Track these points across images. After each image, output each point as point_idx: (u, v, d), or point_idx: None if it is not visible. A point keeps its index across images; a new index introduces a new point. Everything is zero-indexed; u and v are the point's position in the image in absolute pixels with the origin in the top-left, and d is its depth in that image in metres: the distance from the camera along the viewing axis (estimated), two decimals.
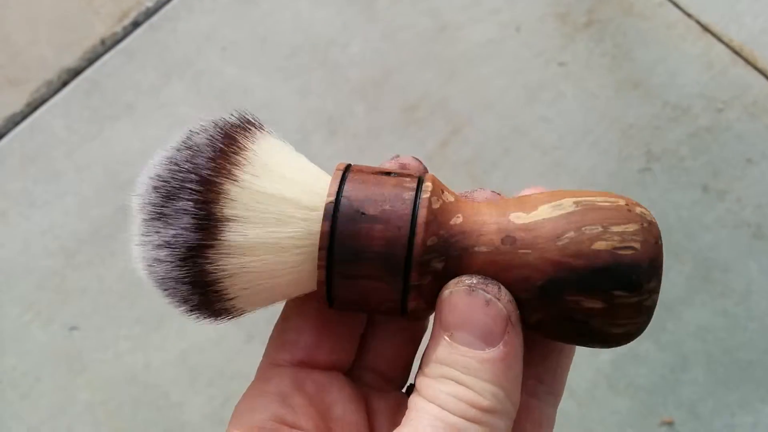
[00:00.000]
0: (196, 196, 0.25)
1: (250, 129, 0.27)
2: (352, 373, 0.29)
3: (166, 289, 0.26)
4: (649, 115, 0.80)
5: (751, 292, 0.73)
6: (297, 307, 0.28)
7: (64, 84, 0.81)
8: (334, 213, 0.24)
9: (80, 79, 0.81)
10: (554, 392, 0.28)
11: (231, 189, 0.25)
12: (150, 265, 0.26)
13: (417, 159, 0.28)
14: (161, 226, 0.25)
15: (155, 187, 0.25)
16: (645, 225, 0.24)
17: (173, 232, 0.25)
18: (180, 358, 0.71)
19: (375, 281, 0.24)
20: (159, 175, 0.26)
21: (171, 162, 0.25)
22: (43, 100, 0.80)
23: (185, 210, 0.25)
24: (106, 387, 0.70)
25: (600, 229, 0.24)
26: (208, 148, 0.25)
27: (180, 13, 0.84)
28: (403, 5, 0.84)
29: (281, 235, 0.25)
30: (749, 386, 0.70)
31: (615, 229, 0.24)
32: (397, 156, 0.28)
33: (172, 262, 0.25)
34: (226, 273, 0.25)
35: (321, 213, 0.24)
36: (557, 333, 0.25)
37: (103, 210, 0.76)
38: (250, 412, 0.26)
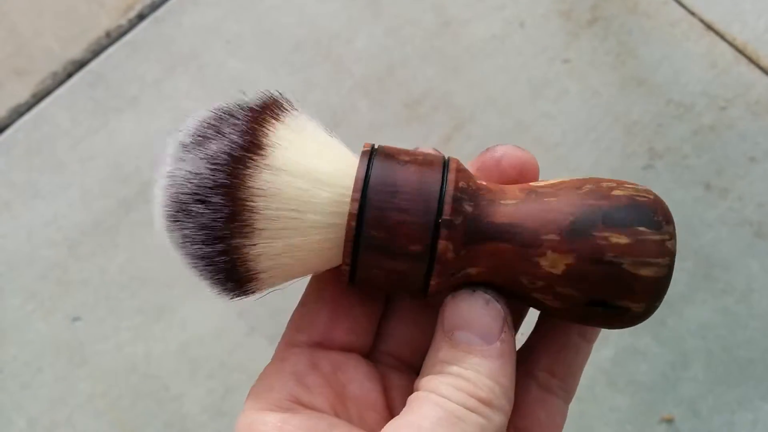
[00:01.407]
0: (227, 170, 0.25)
1: (279, 107, 0.27)
2: (371, 356, 0.29)
3: (193, 261, 0.26)
4: (653, 112, 0.80)
5: (752, 291, 0.73)
6: (315, 292, 0.28)
7: (69, 76, 0.81)
8: (370, 158, 0.25)
9: (85, 71, 0.81)
10: (567, 388, 0.29)
11: (261, 164, 0.25)
12: (179, 239, 0.25)
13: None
14: (191, 199, 0.25)
15: (184, 161, 0.25)
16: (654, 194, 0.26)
17: (203, 209, 0.25)
18: (181, 349, 0.71)
19: (406, 215, 0.25)
20: (187, 150, 0.25)
21: (201, 138, 0.26)
22: (48, 92, 0.81)
23: (215, 182, 0.25)
24: (107, 378, 0.70)
25: (615, 184, 0.26)
26: (238, 125, 0.26)
27: (185, 6, 0.84)
28: (408, 0, 0.85)
29: (310, 208, 0.25)
30: (749, 384, 0.70)
31: (628, 185, 0.26)
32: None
33: (201, 235, 0.25)
34: (254, 245, 0.25)
35: (352, 179, 0.25)
36: (587, 284, 0.25)
37: (107, 202, 0.76)
38: (266, 391, 0.26)
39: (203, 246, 0.25)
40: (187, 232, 0.25)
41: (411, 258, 0.25)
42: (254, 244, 0.25)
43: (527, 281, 0.25)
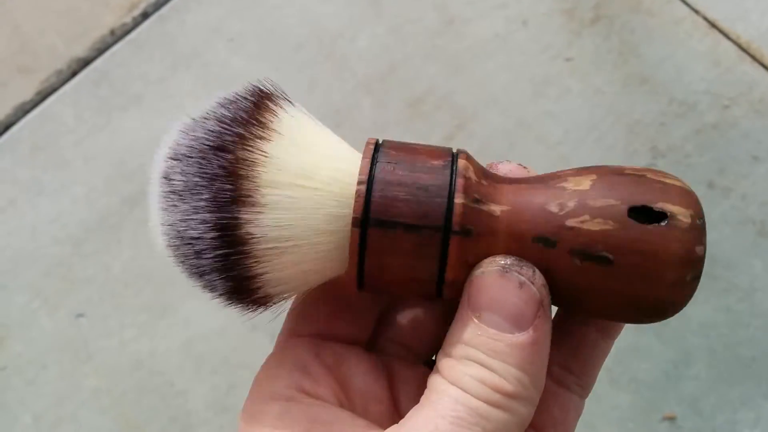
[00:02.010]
0: (226, 181, 0.23)
1: (278, 100, 0.26)
2: (377, 344, 0.28)
3: (197, 276, 0.25)
4: (655, 111, 0.80)
5: (755, 289, 0.73)
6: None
7: (74, 74, 0.82)
8: (372, 159, 0.24)
9: (89, 69, 0.82)
10: (583, 384, 0.28)
11: (262, 168, 0.24)
12: (179, 251, 0.25)
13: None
14: (190, 210, 0.24)
15: (183, 161, 0.24)
16: None
17: (201, 216, 0.24)
18: (185, 346, 0.71)
19: (411, 198, 0.23)
20: (185, 149, 0.24)
21: (201, 131, 0.24)
22: (52, 90, 0.81)
23: (215, 188, 0.23)
24: (112, 374, 0.71)
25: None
26: (237, 121, 0.25)
27: (188, 4, 0.85)
28: None
29: (316, 215, 0.24)
30: (751, 382, 0.70)
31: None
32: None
33: (203, 248, 0.24)
34: (259, 258, 0.24)
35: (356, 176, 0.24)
36: (620, 189, 0.24)
37: (111, 199, 0.76)
38: (271, 380, 0.25)
39: (206, 261, 0.24)
40: (185, 251, 0.24)
41: (425, 230, 0.23)
42: (259, 258, 0.24)
43: (557, 208, 0.23)
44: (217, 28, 0.84)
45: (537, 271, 0.24)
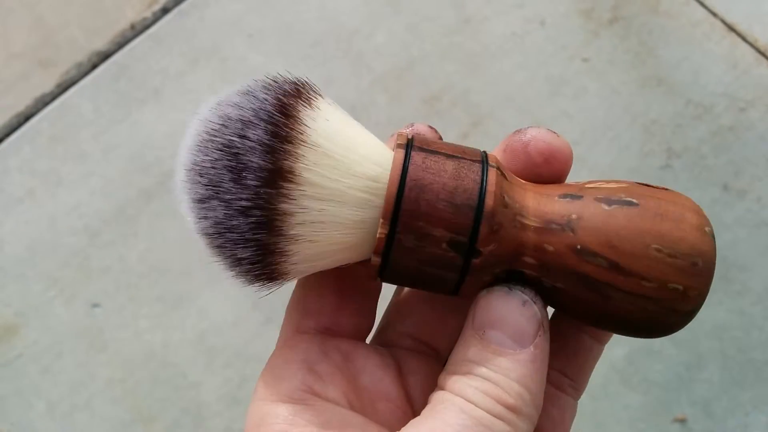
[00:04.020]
0: (264, 159, 0.23)
1: (312, 93, 0.26)
2: (387, 337, 0.28)
3: (225, 249, 0.24)
4: (672, 112, 0.79)
5: None
6: (317, 275, 0.27)
7: (94, 67, 0.83)
8: (407, 151, 0.24)
9: (109, 62, 0.83)
10: (577, 387, 0.29)
11: (299, 154, 0.23)
12: (210, 226, 0.24)
13: (432, 127, 0.28)
14: (224, 189, 0.24)
15: (218, 147, 0.24)
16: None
17: (239, 194, 0.23)
18: (198, 338, 0.72)
19: (444, 205, 0.23)
20: (217, 134, 0.24)
21: (232, 120, 0.24)
22: (72, 82, 0.82)
23: (252, 169, 0.23)
24: (126, 365, 0.71)
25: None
26: (270, 113, 0.24)
27: (208, 0, 0.85)
28: None
29: (345, 200, 0.24)
30: (764, 386, 0.70)
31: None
32: (412, 124, 0.28)
33: (235, 224, 0.24)
34: (290, 235, 0.24)
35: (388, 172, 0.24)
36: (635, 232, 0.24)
37: (128, 191, 0.77)
38: (277, 380, 0.25)
39: (235, 231, 0.24)
40: (218, 214, 0.23)
41: (447, 248, 0.24)
42: (288, 234, 0.24)
43: (575, 186, 0.25)
44: (236, 23, 0.84)
45: (538, 294, 0.25)
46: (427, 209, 0.23)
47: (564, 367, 0.28)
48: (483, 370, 0.23)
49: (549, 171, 0.26)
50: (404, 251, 0.24)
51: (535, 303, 0.24)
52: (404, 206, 0.23)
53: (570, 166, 0.27)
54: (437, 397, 0.24)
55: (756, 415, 0.69)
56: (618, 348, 0.71)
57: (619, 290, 0.24)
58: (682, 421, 0.69)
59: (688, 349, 0.71)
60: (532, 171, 0.26)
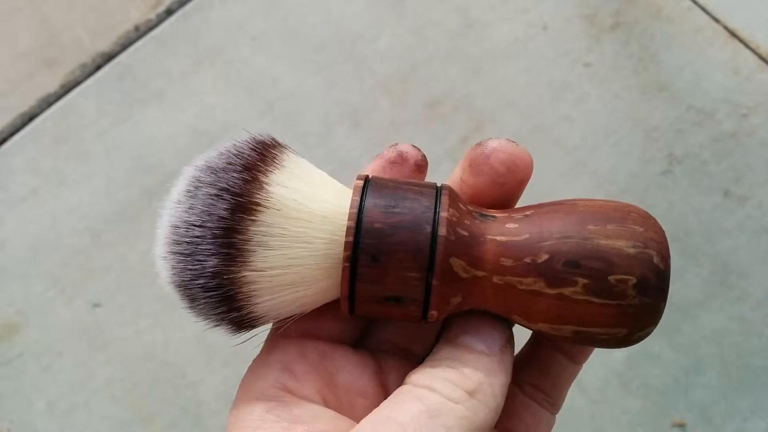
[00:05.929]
0: (227, 213, 0.25)
1: (276, 148, 0.27)
2: (369, 343, 0.29)
3: (192, 303, 0.27)
4: (673, 118, 0.80)
5: None
6: None
7: (98, 68, 0.83)
8: (362, 192, 0.25)
9: (113, 63, 0.83)
10: (553, 402, 0.29)
11: (260, 207, 0.25)
12: (178, 284, 0.26)
13: (416, 147, 0.28)
14: (190, 239, 0.26)
15: (187, 202, 0.26)
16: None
17: (202, 248, 0.25)
18: (198, 337, 0.72)
19: (401, 245, 0.24)
20: (189, 191, 0.26)
21: (204, 174, 0.26)
22: (77, 83, 0.82)
23: (213, 224, 0.25)
24: (125, 364, 0.72)
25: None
26: (237, 166, 0.26)
27: (213, 2, 0.86)
28: (432, 2, 0.85)
29: (306, 251, 0.25)
30: (763, 392, 0.70)
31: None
32: (396, 144, 0.28)
33: (199, 279, 0.26)
34: (252, 288, 0.25)
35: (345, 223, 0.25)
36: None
37: (130, 192, 0.77)
38: (254, 381, 0.26)
39: (201, 282, 0.25)
40: (187, 267, 0.26)
41: (407, 286, 0.25)
42: (254, 283, 0.25)
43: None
44: (240, 26, 0.85)
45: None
46: (385, 244, 0.25)
47: (537, 381, 0.29)
48: (449, 361, 0.25)
49: (513, 179, 0.27)
50: (365, 301, 0.25)
51: (505, 324, 0.26)
52: (363, 248, 0.25)
53: (530, 174, 0.27)
54: (399, 389, 0.25)
55: (754, 421, 0.69)
56: (617, 352, 0.71)
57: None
58: (681, 425, 0.69)
59: (688, 353, 0.71)
60: (495, 181, 0.27)
